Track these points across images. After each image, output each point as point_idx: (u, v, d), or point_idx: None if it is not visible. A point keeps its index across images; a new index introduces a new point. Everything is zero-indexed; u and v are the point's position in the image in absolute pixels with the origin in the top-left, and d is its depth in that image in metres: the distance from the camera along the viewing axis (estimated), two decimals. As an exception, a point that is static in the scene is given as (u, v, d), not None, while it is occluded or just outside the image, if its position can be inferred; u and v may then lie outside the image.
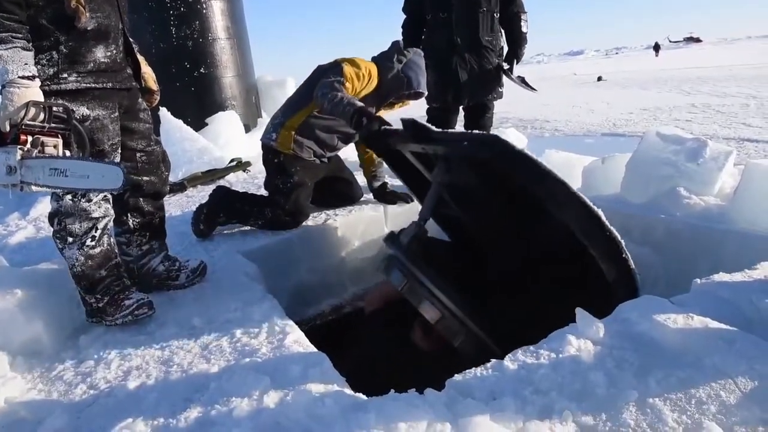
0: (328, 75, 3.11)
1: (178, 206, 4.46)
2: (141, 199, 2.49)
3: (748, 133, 7.83)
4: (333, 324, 3.11)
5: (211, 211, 3.30)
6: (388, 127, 2.73)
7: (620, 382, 1.53)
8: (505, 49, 4.64)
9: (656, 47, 47.43)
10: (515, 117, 12.13)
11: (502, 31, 4.58)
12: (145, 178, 2.45)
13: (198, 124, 6.02)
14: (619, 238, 1.91)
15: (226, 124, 6.22)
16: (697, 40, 74.61)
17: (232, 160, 5.51)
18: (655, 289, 2.59)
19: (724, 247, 2.59)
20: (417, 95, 3.44)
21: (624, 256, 1.95)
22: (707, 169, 2.92)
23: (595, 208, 1.88)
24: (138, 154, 2.41)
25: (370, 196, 3.78)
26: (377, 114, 3.09)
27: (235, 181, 5.19)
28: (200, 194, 4.75)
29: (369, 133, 2.79)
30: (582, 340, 1.69)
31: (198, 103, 6.36)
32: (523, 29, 4.51)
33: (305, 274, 3.23)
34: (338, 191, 3.60)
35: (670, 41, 77.24)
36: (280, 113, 3.32)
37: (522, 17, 4.50)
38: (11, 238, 3.76)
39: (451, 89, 4.47)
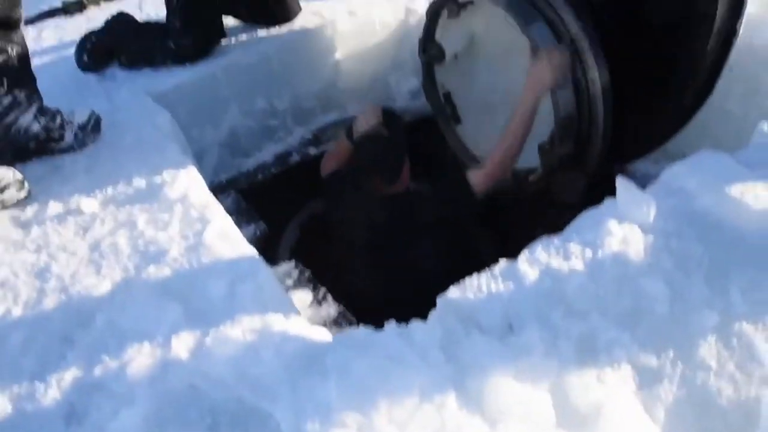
0: None
1: (76, 32, 3.51)
2: (-19, 31, 1.71)
3: None
4: (279, 178, 2.54)
5: (101, 44, 2.51)
6: None
7: (688, 294, 1.06)
8: None
9: None
10: None
11: None
12: (-22, -2, 1.66)
13: None
14: None
15: None
16: None
17: (140, -33, 4.42)
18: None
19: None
20: None
21: None
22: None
23: None
24: (-43, -38, 1.59)
25: (313, 6, 2.96)
26: None
27: (148, -7, 4.18)
28: (104, 15, 3.79)
29: None
30: (627, 226, 1.18)
31: None
32: None
33: (238, 117, 2.55)
34: (263, 7, 2.73)
35: None
36: None
37: None
38: None
39: None
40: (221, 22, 2.59)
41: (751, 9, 2.18)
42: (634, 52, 1.87)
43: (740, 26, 1.72)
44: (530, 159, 2.08)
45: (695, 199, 1.23)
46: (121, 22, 2.62)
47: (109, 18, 2.64)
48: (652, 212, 1.20)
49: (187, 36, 2.43)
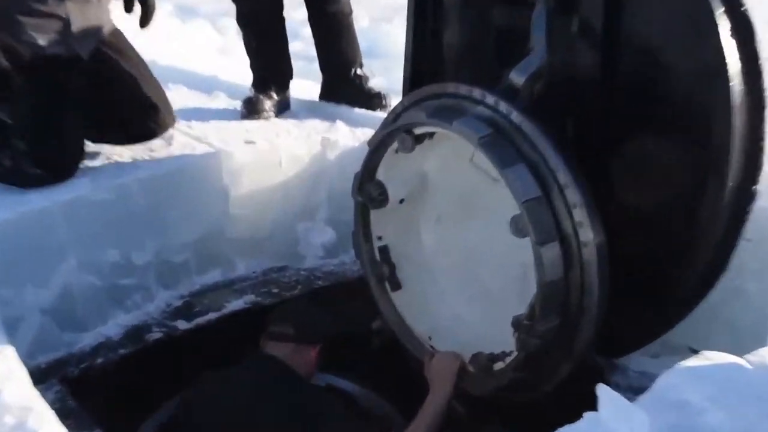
0: None
1: None
2: None
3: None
4: (130, 363, 2.51)
5: None
6: None
7: None
8: None
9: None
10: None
11: None
12: None
13: None
14: None
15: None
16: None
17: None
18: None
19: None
20: None
21: None
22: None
23: None
24: None
25: (197, 130, 3.08)
26: None
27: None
28: None
29: None
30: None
31: None
32: None
33: (76, 273, 2.56)
34: (119, 115, 2.89)
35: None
36: None
37: None
38: None
39: None
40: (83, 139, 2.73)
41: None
42: (628, 217, 2.04)
43: (758, 185, 1.88)
44: (495, 342, 2.20)
45: (700, 415, 1.27)
46: None
47: None
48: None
49: (37, 161, 2.59)
